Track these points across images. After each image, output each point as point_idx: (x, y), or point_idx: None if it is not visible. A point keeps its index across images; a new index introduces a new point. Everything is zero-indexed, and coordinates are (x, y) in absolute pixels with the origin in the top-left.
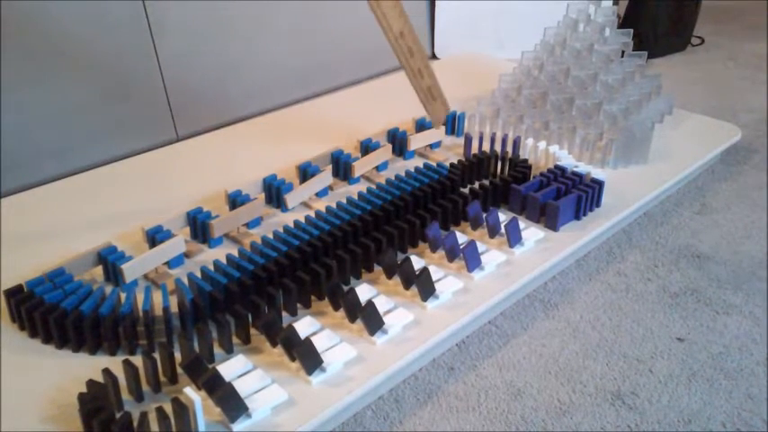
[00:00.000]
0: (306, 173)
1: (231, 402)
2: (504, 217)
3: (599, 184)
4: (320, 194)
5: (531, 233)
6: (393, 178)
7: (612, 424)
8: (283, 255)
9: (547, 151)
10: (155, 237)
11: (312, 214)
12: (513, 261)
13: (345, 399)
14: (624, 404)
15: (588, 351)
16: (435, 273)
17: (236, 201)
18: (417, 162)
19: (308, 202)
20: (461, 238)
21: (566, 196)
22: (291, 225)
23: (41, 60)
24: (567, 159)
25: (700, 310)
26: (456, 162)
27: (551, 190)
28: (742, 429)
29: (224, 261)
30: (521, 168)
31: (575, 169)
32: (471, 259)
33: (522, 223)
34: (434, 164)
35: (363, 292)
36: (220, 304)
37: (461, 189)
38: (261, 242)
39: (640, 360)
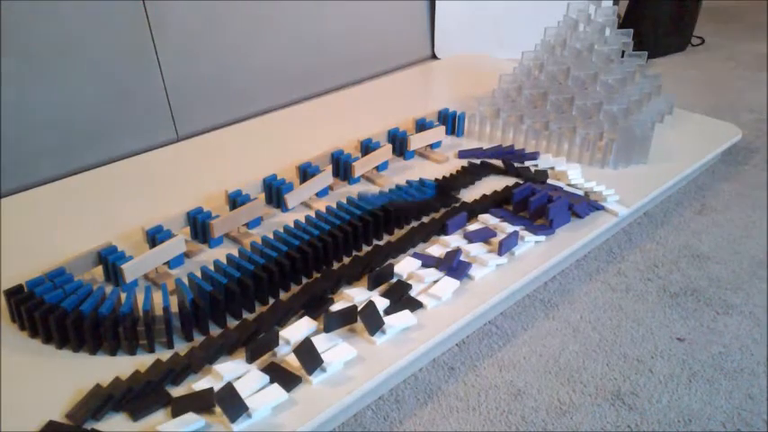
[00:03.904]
0: (306, 173)
1: (231, 402)
2: (497, 221)
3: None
4: (320, 194)
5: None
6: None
7: (612, 424)
8: (283, 255)
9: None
10: (155, 237)
11: (312, 214)
12: (513, 261)
13: (345, 399)
14: (624, 404)
15: (588, 351)
16: (432, 275)
17: (236, 201)
18: (417, 162)
19: (308, 202)
20: (461, 241)
21: (558, 200)
22: (291, 225)
23: (41, 60)
24: (578, 180)
25: (700, 310)
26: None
27: (543, 195)
28: (742, 429)
29: (224, 261)
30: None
31: (585, 187)
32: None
33: (520, 225)
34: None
35: (363, 292)
36: (220, 304)
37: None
38: (261, 242)
39: (640, 360)
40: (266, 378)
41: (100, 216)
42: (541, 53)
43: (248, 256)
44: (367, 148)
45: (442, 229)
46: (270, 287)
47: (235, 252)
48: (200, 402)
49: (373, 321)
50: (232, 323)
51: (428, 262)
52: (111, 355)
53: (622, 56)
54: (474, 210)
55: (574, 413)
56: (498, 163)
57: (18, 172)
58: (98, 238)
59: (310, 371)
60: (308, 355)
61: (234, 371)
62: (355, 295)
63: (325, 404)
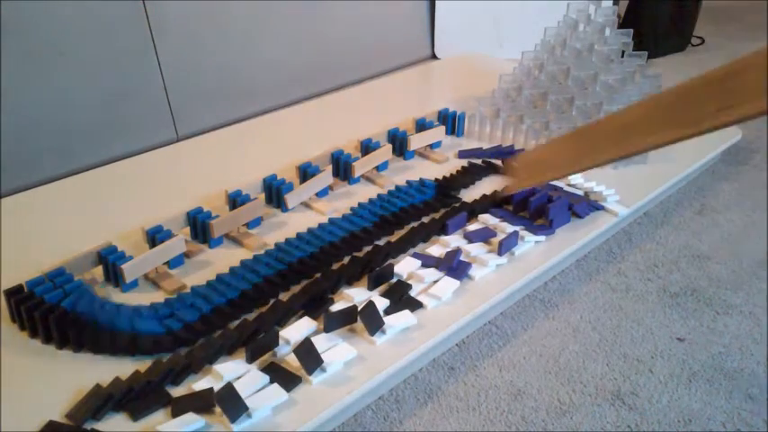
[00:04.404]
0: (306, 173)
1: (231, 402)
2: (497, 221)
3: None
4: (320, 194)
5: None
6: (388, 193)
7: (612, 424)
8: (289, 262)
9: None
10: (155, 237)
11: (312, 214)
12: (513, 261)
13: (345, 399)
14: (624, 404)
15: (588, 351)
16: (432, 275)
17: (236, 201)
18: (417, 162)
19: (308, 202)
20: (461, 241)
21: (558, 200)
22: (291, 226)
23: (41, 60)
24: (578, 180)
25: (700, 310)
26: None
27: (543, 195)
28: (742, 429)
29: (224, 263)
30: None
31: (585, 187)
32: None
33: (520, 224)
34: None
35: (363, 292)
36: (220, 305)
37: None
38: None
39: (640, 360)
40: (266, 378)
41: (100, 216)
42: (541, 53)
43: (252, 267)
44: (367, 148)
45: (442, 229)
46: (270, 288)
47: (236, 253)
48: (200, 402)
49: (373, 321)
50: (232, 323)
51: (428, 262)
52: (111, 355)
53: (622, 56)
54: (474, 210)
55: (574, 413)
56: (498, 163)
57: (18, 172)
58: (98, 238)
59: (310, 371)
60: (308, 355)
61: (234, 371)
62: (355, 295)
63: (326, 404)
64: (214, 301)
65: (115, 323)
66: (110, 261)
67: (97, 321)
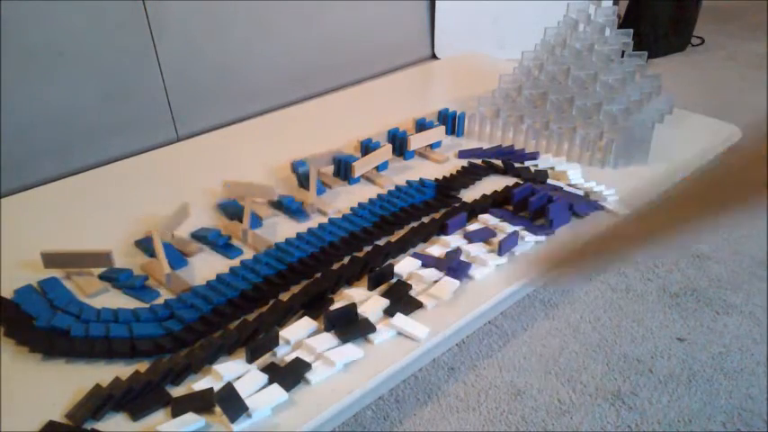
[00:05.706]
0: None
1: (231, 402)
2: (497, 221)
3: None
4: (318, 194)
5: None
6: (388, 193)
7: (612, 424)
8: (290, 262)
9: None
10: (144, 244)
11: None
12: (513, 261)
13: (345, 399)
14: (624, 404)
15: (588, 351)
16: (432, 275)
17: (368, 146)
18: (417, 162)
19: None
20: (461, 241)
21: (558, 200)
22: (292, 225)
23: (41, 60)
24: (578, 180)
25: (700, 310)
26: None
27: (543, 195)
28: (742, 429)
29: (224, 263)
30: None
31: (585, 187)
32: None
33: (520, 224)
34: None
35: (363, 292)
36: (220, 305)
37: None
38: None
39: (640, 360)
40: (266, 378)
41: (99, 216)
42: (541, 53)
43: (252, 267)
44: (367, 148)
45: (442, 229)
46: (270, 288)
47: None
48: (200, 402)
49: (234, 406)
50: (232, 323)
51: (428, 262)
52: (109, 358)
53: (622, 56)
54: (474, 210)
55: (574, 413)
56: (498, 163)
57: (18, 172)
58: (98, 239)
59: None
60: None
61: (234, 371)
62: (355, 295)
63: (326, 404)
64: (214, 302)
65: (112, 331)
66: (118, 280)
67: (89, 334)
